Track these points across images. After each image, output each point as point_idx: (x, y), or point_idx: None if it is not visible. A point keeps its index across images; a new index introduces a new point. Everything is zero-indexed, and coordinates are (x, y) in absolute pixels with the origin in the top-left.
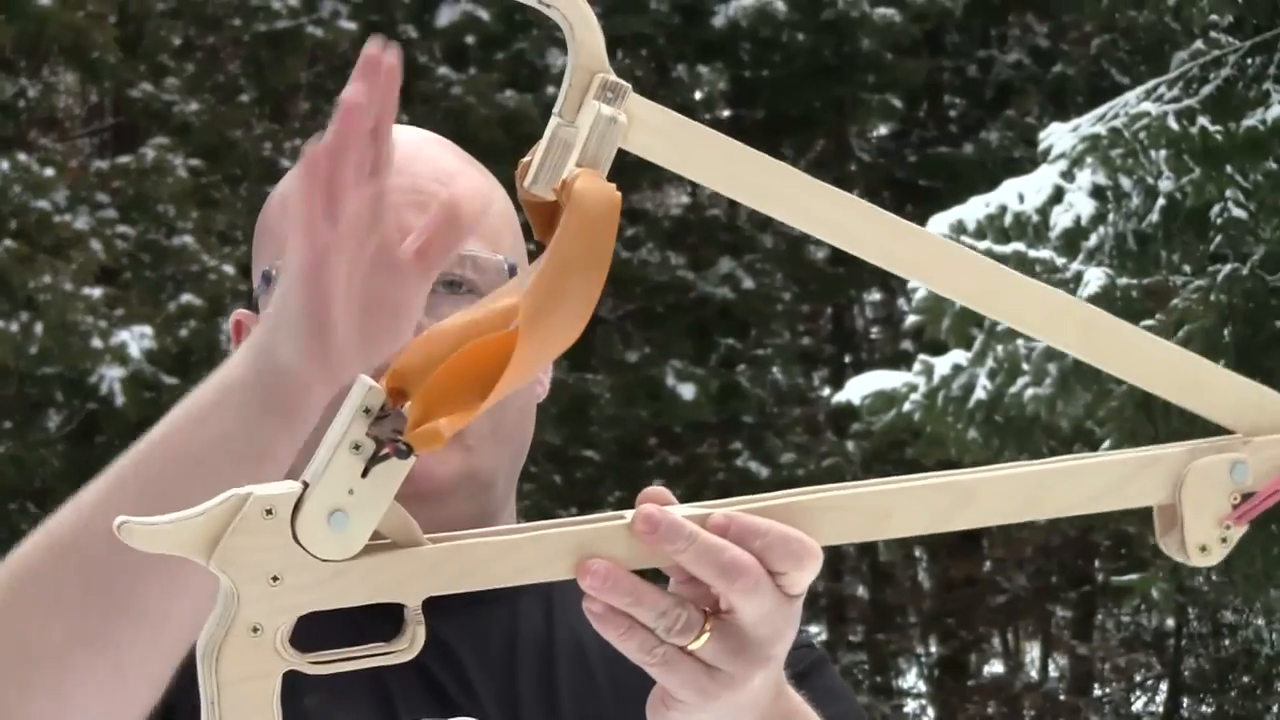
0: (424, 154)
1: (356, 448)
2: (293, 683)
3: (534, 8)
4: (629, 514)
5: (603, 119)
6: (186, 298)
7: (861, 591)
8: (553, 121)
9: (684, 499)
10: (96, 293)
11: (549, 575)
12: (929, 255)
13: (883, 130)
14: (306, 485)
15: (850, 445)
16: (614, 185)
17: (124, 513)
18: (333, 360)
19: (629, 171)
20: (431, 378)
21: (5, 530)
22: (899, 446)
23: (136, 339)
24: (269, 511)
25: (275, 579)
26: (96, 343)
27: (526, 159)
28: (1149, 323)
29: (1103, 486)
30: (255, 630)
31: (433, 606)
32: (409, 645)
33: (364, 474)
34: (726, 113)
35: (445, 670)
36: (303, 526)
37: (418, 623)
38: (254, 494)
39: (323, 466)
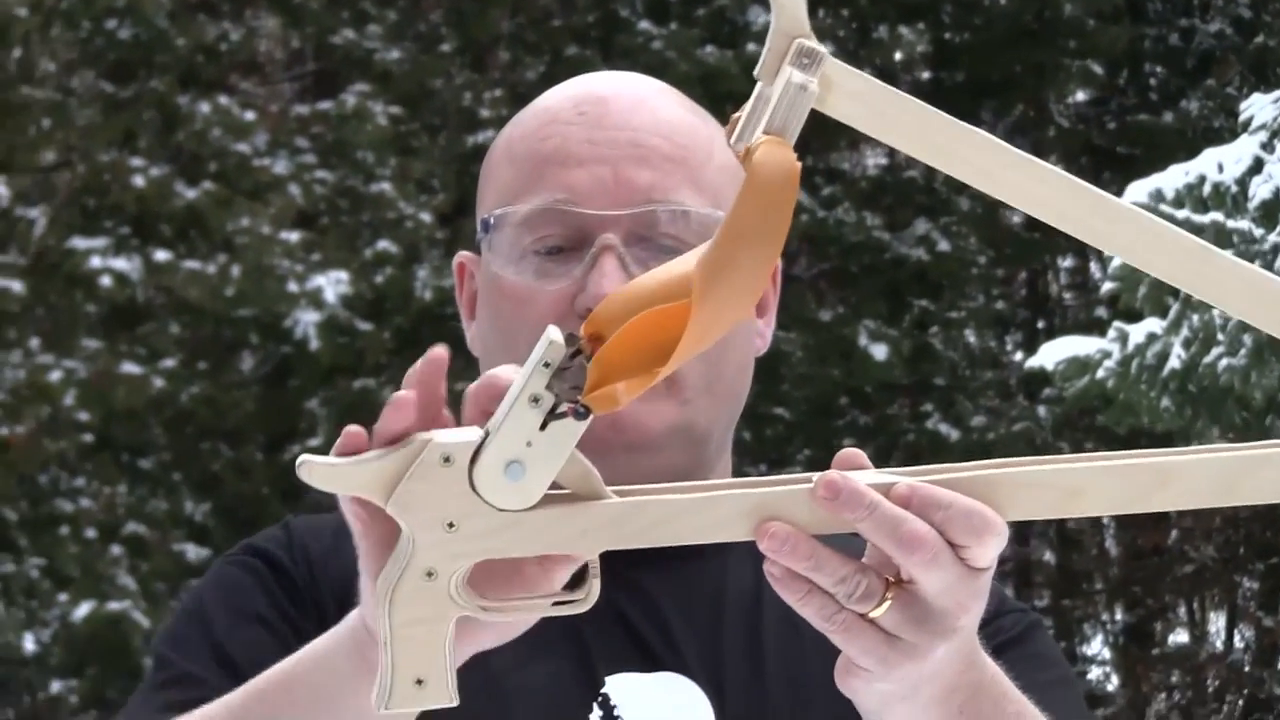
0: (648, 105)
1: (535, 400)
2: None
3: None
4: (816, 477)
5: (793, 86)
6: (383, 244)
7: (1049, 557)
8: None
9: (873, 460)
10: (294, 237)
11: (729, 536)
12: (1122, 227)
13: (1082, 96)
14: (486, 434)
15: (1041, 410)
16: (794, 155)
17: None
18: None
19: (827, 132)
20: (609, 342)
21: (198, 470)
22: (1090, 413)
23: (332, 284)
24: (447, 459)
25: (451, 525)
26: (292, 286)
27: (736, 114)
28: None
29: None
30: (430, 575)
31: (639, 559)
32: (585, 597)
33: (542, 427)
34: (926, 75)
35: (649, 624)
36: (480, 475)
37: (594, 575)
38: (434, 439)
39: (502, 417)
